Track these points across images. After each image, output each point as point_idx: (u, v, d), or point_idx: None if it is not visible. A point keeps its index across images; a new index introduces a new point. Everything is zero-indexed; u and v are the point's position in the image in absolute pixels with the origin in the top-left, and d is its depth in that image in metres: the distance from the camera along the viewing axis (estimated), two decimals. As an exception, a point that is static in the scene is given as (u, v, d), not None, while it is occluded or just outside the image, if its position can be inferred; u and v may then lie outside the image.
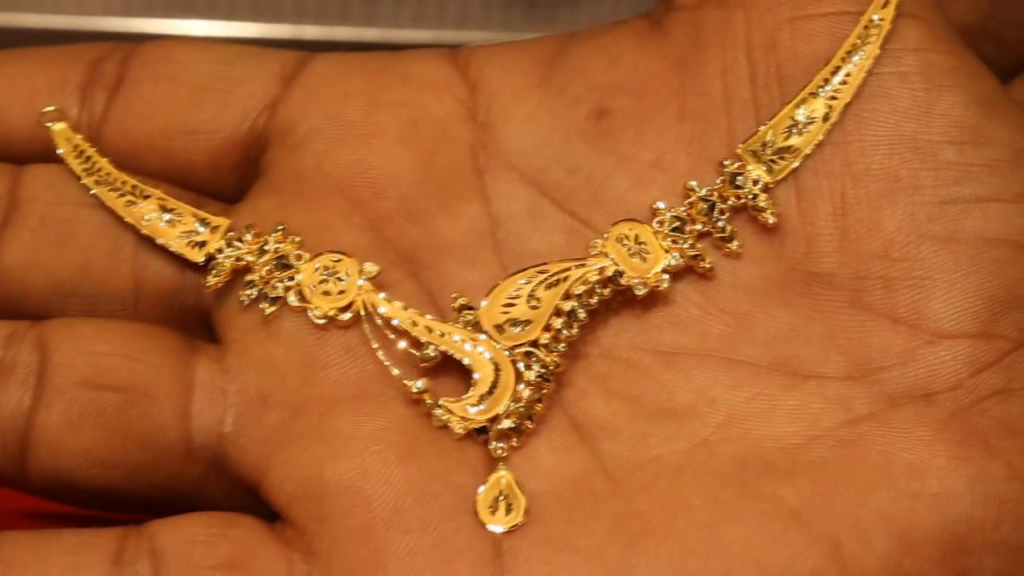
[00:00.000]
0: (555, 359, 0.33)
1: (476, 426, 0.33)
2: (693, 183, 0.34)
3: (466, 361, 0.33)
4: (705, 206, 0.34)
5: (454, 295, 0.33)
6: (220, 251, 0.34)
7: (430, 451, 0.32)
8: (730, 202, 0.34)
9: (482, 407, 0.33)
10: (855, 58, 0.34)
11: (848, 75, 0.33)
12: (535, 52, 0.36)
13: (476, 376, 0.33)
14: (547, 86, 0.35)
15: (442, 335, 0.33)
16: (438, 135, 0.35)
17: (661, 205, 0.34)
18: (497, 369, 0.33)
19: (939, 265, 0.33)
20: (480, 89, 0.35)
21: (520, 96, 0.35)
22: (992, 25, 0.42)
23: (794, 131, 0.34)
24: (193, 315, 0.35)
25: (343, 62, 0.36)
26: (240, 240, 0.34)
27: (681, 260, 0.34)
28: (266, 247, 0.34)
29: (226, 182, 0.36)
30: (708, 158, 0.34)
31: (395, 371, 0.33)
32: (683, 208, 0.34)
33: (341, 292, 0.33)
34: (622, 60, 0.35)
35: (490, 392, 0.33)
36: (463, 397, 0.33)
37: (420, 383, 0.33)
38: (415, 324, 0.33)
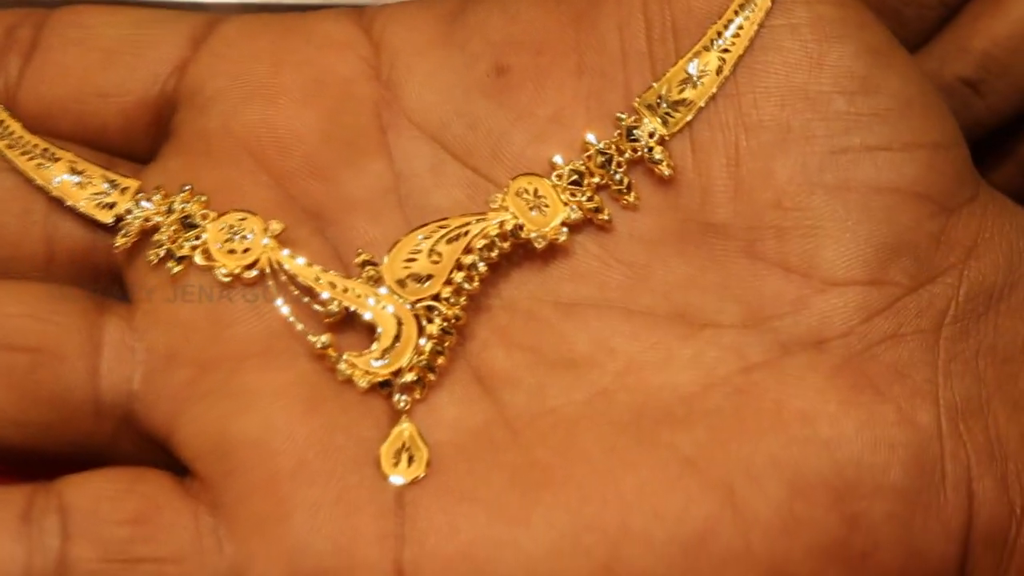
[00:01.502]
0: (456, 312, 0.34)
1: (379, 379, 0.33)
2: (591, 137, 0.34)
3: (368, 316, 0.34)
4: (603, 159, 0.34)
5: (358, 251, 0.34)
6: (129, 212, 0.34)
7: (334, 405, 0.33)
8: (627, 155, 0.34)
9: (385, 361, 0.33)
10: (747, 11, 0.34)
11: (740, 28, 0.34)
12: (437, 10, 0.36)
13: (379, 331, 0.33)
14: (448, 43, 0.35)
15: (345, 291, 0.34)
16: (342, 93, 0.35)
17: (559, 159, 0.34)
18: (399, 323, 0.33)
19: (830, 214, 0.33)
20: (383, 47, 0.36)
21: (422, 54, 0.35)
22: (891, 1, 0.43)
23: (688, 85, 0.34)
24: (106, 276, 0.35)
25: (250, 24, 0.36)
26: (148, 200, 0.34)
27: (579, 213, 0.34)
28: (173, 207, 0.34)
29: (140, 144, 0.36)
30: (606, 112, 0.34)
31: (300, 327, 0.33)
32: (581, 162, 0.34)
33: (246, 250, 0.34)
34: (520, 16, 0.35)
35: (393, 346, 0.33)
36: (366, 351, 0.33)
37: (324, 338, 0.33)
38: (319, 280, 0.34)
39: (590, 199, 0.34)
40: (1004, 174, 0.44)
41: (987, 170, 0.43)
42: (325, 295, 0.33)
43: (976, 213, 0.34)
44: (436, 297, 0.34)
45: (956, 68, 0.42)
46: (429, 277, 0.33)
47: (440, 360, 0.33)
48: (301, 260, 0.33)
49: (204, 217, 0.34)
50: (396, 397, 0.33)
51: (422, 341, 0.33)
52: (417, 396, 0.33)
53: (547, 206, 0.34)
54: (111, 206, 0.35)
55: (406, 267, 0.33)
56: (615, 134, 0.34)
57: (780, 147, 0.33)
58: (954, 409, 0.32)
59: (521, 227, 0.34)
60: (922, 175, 0.33)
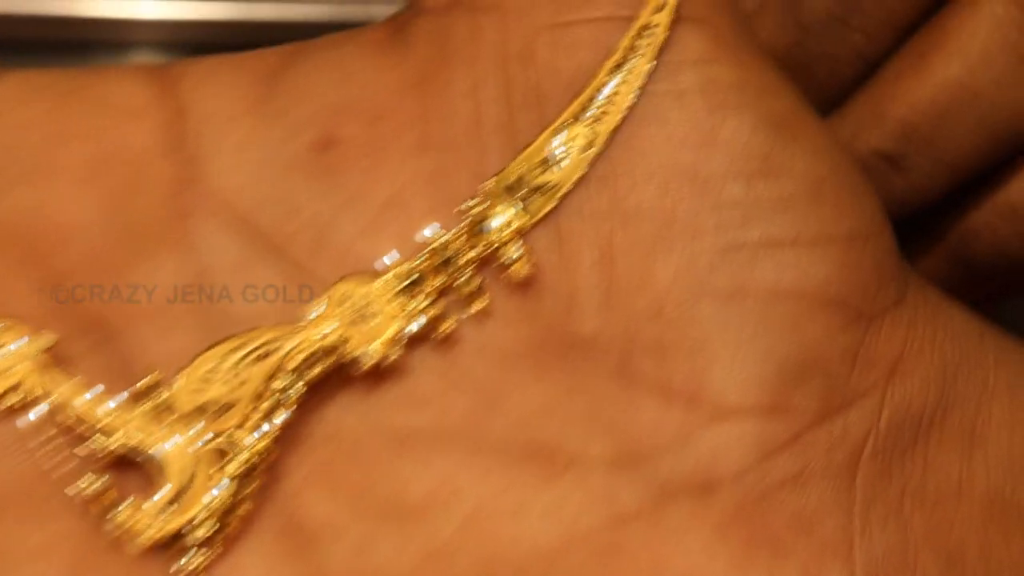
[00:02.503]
0: (264, 448, 0.27)
1: (166, 534, 0.27)
2: (433, 228, 0.28)
3: (154, 454, 0.27)
4: (447, 256, 0.28)
5: (144, 372, 0.27)
6: None
7: (108, 570, 0.27)
8: (476, 251, 0.28)
9: (172, 512, 0.27)
10: (623, 74, 0.28)
11: (615, 94, 0.28)
12: (254, 67, 0.30)
13: (165, 473, 0.27)
14: (265, 110, 0.29)
15: (125, 422, 0.27)
16: (134, 172, 0.29)
17: (392, 257, 0.28)
18: (192, 464, 0.27)
19: (721, 326, 0.27)
20: (188, 115, 0.29)
21: (233, 122, 0.29)
22: (801, 56, 0.36)
23: (552, 164, 0.28)
24: None
25: (28, 83, 0.30)
26: None
27: (415, 325, 0.28)
28: (-82, 315, 0.28)
29: None
30: (453, 197, 0.28)
31: (67, 467, 0.27)
32: (420, 259, 0.28)
33: (6, 369, 0.27)
34: (354, 77, 0.29)
35: (183, 491, 0.27)
36: (150, 499, 0.27)
37: (97, 483, 0.27)
38: (93, 409, 0.27)
39: (430, 306, 0.28)
40: (931, 262, 0.37)
41: (910, 258, 0.37)
42: (101, 427, 0.27)
43: (902, 320, 0.28)
44: (239, 429, 0.27)
45: (872, 139, 0.36)
46: (230, 405, 0.27)
47: (243, 508, 0.27)
48: (74, 382, 0.27)
49: (-44, 328, 0.28)
50: (187, 557, 0.27)
51: (220, 484, 0.27)
52: (213, 554, 0.27)
53: (377, 315, 0.28)
54: None
55: (202, 392, 0.27)
56: (463, 225, 0.28)
57: (662, 243, 0.27)
58: (874, 567, 0.27)
59: (345, 341, 0.27)
60: (834, 276, 0.27)
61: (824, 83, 0.37)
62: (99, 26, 0.50)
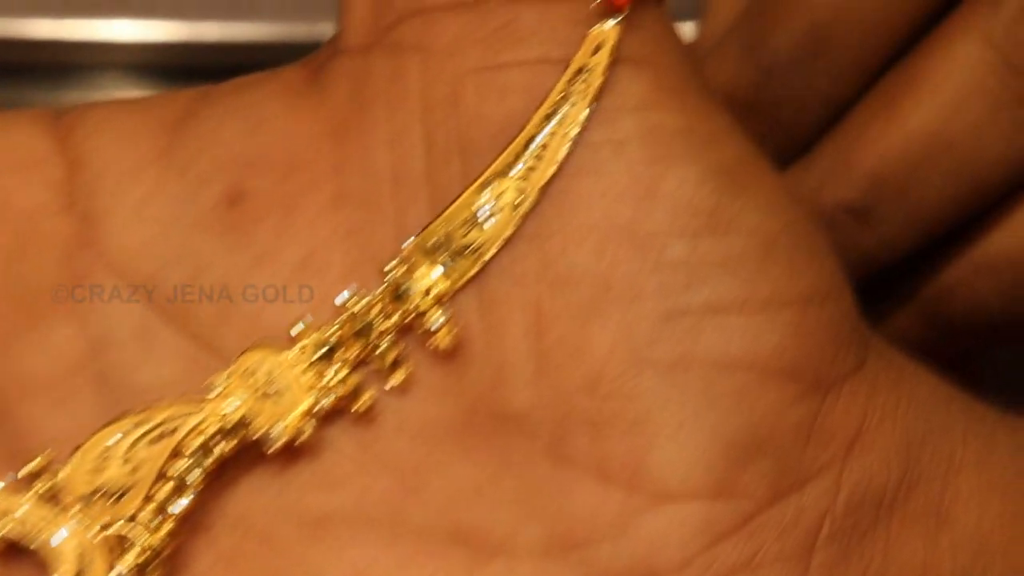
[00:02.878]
0: (161, 540, 0.25)
1: (56, 634, 0.25)
2: (347, 293, 0.25)
3: (38, 547, 0.25)
4: (364, 323, 0.25)
5: (29, 457, 0.25)
6: None
7: None
8: (396, 318, 0.25)
9: (64, 607, 0.25)
10: (556, 122, 0.25)
11: (547, 145, 0.25)
12: (159, 115, 0.27)
13: (57, 564, 0.25)
14: (168, 162, 0.27)
15: (6, 513, 0.25)
16: (21, 232, 0.27)
17: (301, 326, 0.25)
18: (81, 558, 0.25)
19: (663, 400, 0.25)
20: (83, 167, 0.27)
21: (132, 176, 0.26)
22: (764, 100, 0.34)
23: (478, 221, 0.25)
24: None
25: None
26: None
27: (330, 399, 0.25)
28: None
29: None
30: (371, 257, 0.26)
31: (-52, 562, 0.25)
32: (335, 326, 0.25)
33: None
34: (265, 125, 0.26)
35: (74, 586, 0.25)
36: (39, 594, 0.25)
37: (-19, 577, 0.25)
38: (-24, 496, 0.25)
39: (344, 380, 0.25)
40: (902, 322, 0.35)
41: (878, 317, 0.34)
42: (-16, 517, 0.25)
43: (862, 388, 0.25)
44: (134, 518, 0.25)
45: (839, 191, 0.33)
46: (123, 493, 0.25)
47: (139, 606, 0.24)
48: (-45, 467, 0.25)
49: None
50: (77, 658, 0.24)
51: (115, 579, 0.25)
52: (107, 655, 0.24)
53: (286, 390, 0.25)
54: None
55: (96, 475, 0.25)
56: (382, 288, 0.25)
57: (598, 308, 0.25)
58: None
59: (253, 418, 0.25)
60: (787, 343, 0.25)
61: (788, 129, 0.35)
62: (67, 49, 0.48)
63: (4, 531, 0.25)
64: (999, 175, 0.33)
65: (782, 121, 0.34)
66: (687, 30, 0.39)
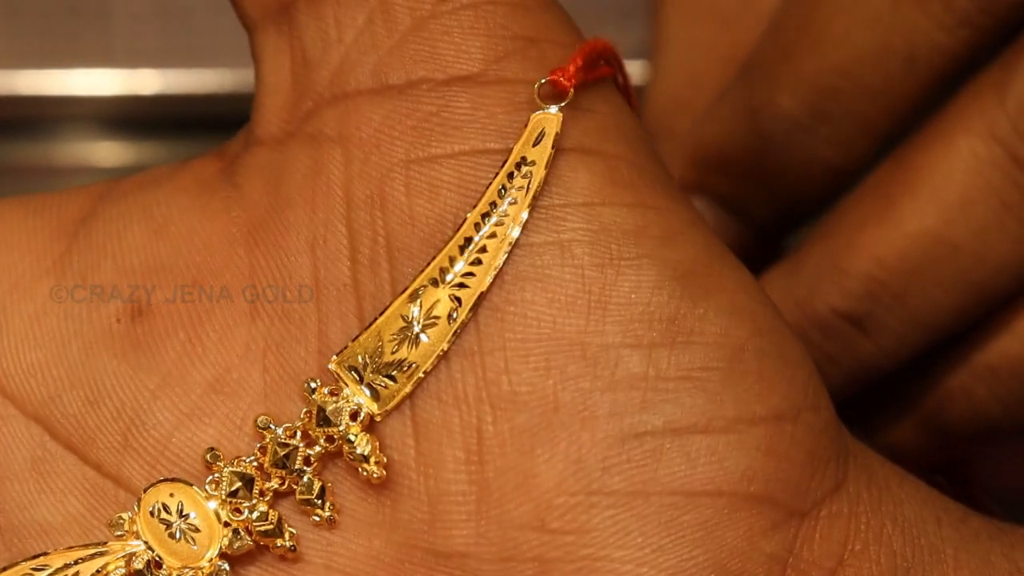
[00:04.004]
0: None
1: None
2: (265, 418, 0.23)
3: None
4: (283, 453, 0.23)
5: None
6: None
7: None
8: (320, 445, 0.23)
9: None
10: (494, 221, 0.23)
11: (484, 249, 0.23)
12: (53, 216, 0.25)
13: None
14: (64, 271, 0.24)
15: None
16: None
17: (213, 460, 0.23)
18: None
19: (619, 537, 0.22)
20: None
21: (23, 288, 0.24)
22: (763, 169, 0.31)
23: (407, 338, 0.23)
24: None
25: None
26: None
27: (247, 538, 0.23)
28: None
29: None
30: (291, 375, 0.23)
31: None
32: (251, 457, 0.23)
33: None
34: (172, 228, 0.24)
35: None
36: None
37: None
38: None
39: (263, 516, 0.22)
40: (899, 432, 0.32)
41: (875, 429, 0.32)
42: None
43: (842, 512, 0.23)
44: None
45: (832, 297, 0.31)
46: (17, 650, 0.22)
47: None
48: None
49: None
50: None
51: None
52: None
53: (198, 530, 0.22)
54: None
55: (-17, 635, 0.22)
56: (302, 413, 0.23)
57: (544, 434, 0.22)
58: None
59: (159, 564, 0.22)
60: (758, 468, 0.22)
61: (788, 198, 0.32)
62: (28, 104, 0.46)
63: None
64: (1004, 281, 0.30)
65: (781, 189, 0.32)
66: (634, 69, 0.36)
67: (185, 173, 0.25)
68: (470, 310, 0.23)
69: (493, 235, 0.23)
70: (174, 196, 0.25)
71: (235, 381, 0.23)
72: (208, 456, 0.23)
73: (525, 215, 0.23)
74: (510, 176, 0.23)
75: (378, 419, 0.23)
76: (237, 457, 0.23)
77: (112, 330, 0.24)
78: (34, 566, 0.23)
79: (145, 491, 0.23)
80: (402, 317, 0.23)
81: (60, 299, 0.24)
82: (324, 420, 0.23)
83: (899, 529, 0.24)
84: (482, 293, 0.23)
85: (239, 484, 0.23)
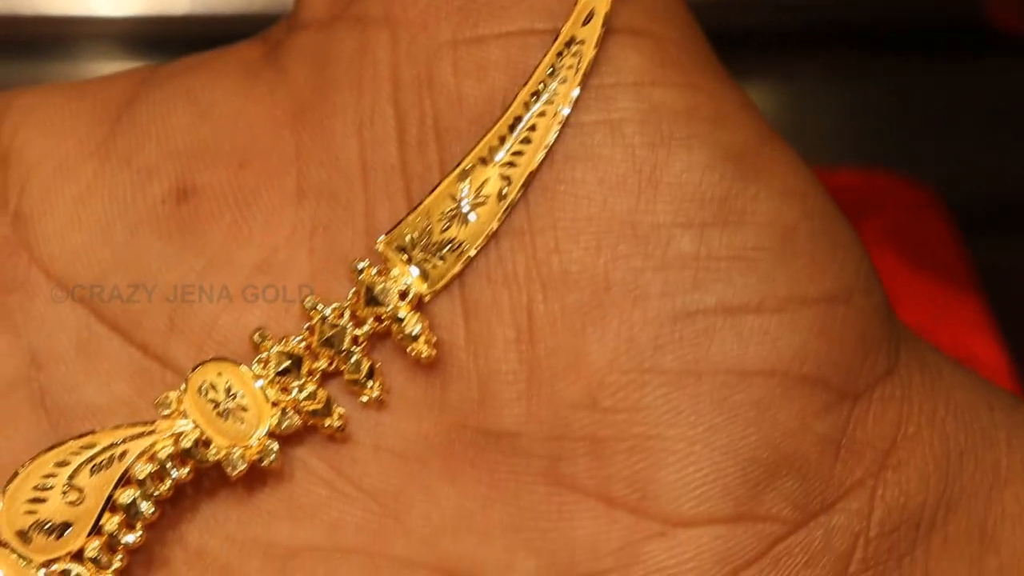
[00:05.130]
0: (109, 578, 0.22)
1: None
2: (312, 298, 0.23)
3: (-26, 591, 0.22)
4: (331, 333, 0.23)
5: None
6: None
7: None
8: (369, 325, 0.23)
9: (-1, 662, 0.22)
10: (544, 101, 0.22)
11: (533, 128, 0.22)
12: (96, 101, 0.24)
13: (-9, 612, 0.22)
14: (108, 154, 0.24)
15: (-63, 550, 0.22)
16: None
17: (261, 340, 0.23)
18: (21, 600, 0.22)
19: (671, 416, 0.22)
20: (13, 161, 0.24)
21: (68, 171, 0.24)
22: None
23: (457, 217, 0.22)
24: None
25: None
26: None
27: (296, 418, 0.22)
28: None
29: None
30: (338, 257, 0.23)
31: None
32: (299, 337, 0.23)
33: None
34: (216, 111, 0.24)
35: (12, 636, 0.22)
36: (-29, 647, 0.22)
37: (-94, 628, 0.22)
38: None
39: (312, 395, 0.22)
40: None
41: None
42: (-92, 559, 0.22)
43: (894, 395, 0.23)
44: (79, 555, 0.22)
45: None
46: (67, 526, 0.22)
47: (86, 654, 0.22)
48: None
49: None
50: None
51: (57, 626, 0.22)
52: None
53: (246, 409, 0.22)
54: None
55: (31, 512, 0.22)
56: (350, 294, 0.22)
57: (595, 313, 0.22)
58: None
59: (208, 442, 0.22)
60: (811, 347, 0.22)
61: None
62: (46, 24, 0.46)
63: (-68, 573, 0.22)
64: None
65: None
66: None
67: (229, 57, 0.25)
68: (520, 189, 0.23)
69: (543, 114, 0.23)
70: (218, 80, 0.24)
71: (282, 263, 0.23)
72: (256, 336, 0.23)
73: (576, 93, 0.23)
74: (559, 55, 0.23)
75: (427, 299, 0.23)
76: (285, 337, 0.23)
77: (157, 212, 0.24)
78: (82, 444, 0.23)
79: (193, 370, 0.23)
80: (451, 196, 0.23)
81: (104, 182, 0.24)
82: (372, 300, 0.23)
83: (951, 414, 0.23)
84: (532, 172, 0.23)
85: (287, 363, 0.23)
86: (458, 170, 0.23)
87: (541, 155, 0.23)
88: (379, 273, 0.23)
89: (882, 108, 0.46)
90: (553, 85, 0.23)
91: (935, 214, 0.40)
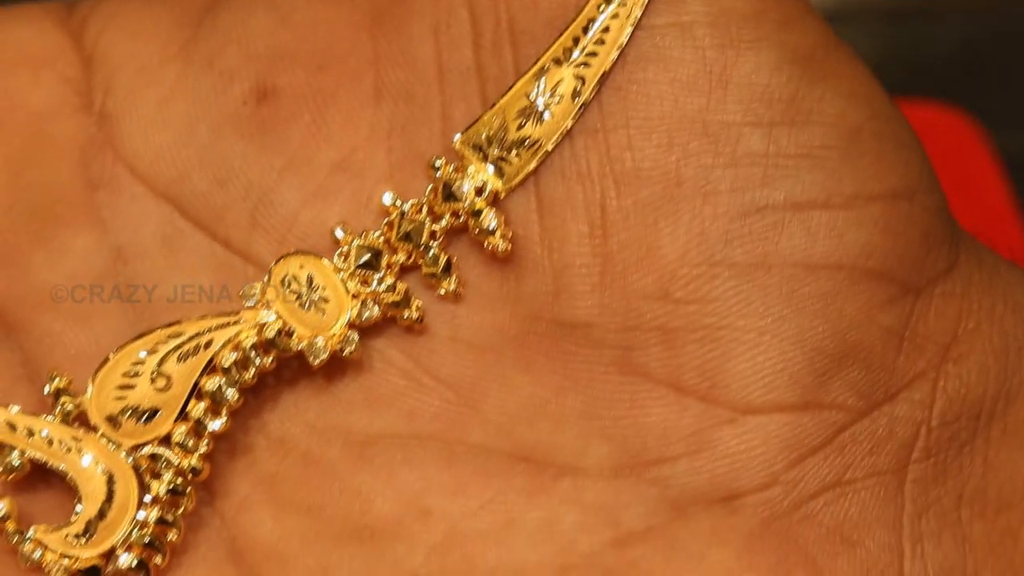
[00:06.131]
0: (196, 462, 0.23)
1: (83, 566, 0.23)
2: (391, 195, 0.23)
3: (65, 469, 0.23)
4: (409, 228, 0.23)
5: (51, 373, 0.23)
6: None
7: None
8: (446, 220, 0.23)
9: (91, 537, 0.23)
10: (615, 5, 0.23)
11: (606, 31, 0.23)
12: (179, 6, 0.25)
13: (81, 493, 0.23)
14: (190, 56, 0.24)
15: (31, 434, 0.23)
16: (34, 135, 0.25)
17: (342, 234, 0.23)
18: (111, 481, 0.23)
19: (741, 307, 0.23)
20: (98, 64, 0.25)
21: (151, 73, 0.24)
22: None
23: (532, 116, 0.23)
24: None
25: None
26: None
27: (376, 309, 0.23)
28: None
29: None
30: (415, 156, 0.24)
31: (-38, 490, 0.23)
32: (378, 232, 0.23)
33: None
34: (295, 16, 0.24)
35: (102, 516, 0.23)
36: (64, 524, 0.23)
37: (0, 505, 0.23)
38: (-8, 420, 0.23)
39: (391, 288, 0.23)
40: None
41: None
42: (1, 440, 0.23)
43: (954, 291, 0.23)
44: (166, 440, 0.23)
45: None
46: (154, 412, 0.23)
47: (173, 535, 0.23)
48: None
49: None
50: (107, 593, 0.22)
51: (146, 506, 0.22)
52: (139, 589, 0.22)
53: (327, 300, 0.23)
54: None
55: (120, 397, 0.23)
56: (428, 190, 0.23)
57: (666, 208, 0.22)
58: None
59: (290, 332, 0.23)
60: (875, 243, 0.23)
61: None
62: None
63: (19, 461, 0.23)
64: None
65: None
66: None
67: None
68: (594, 88, 0.23)
69: (616, 16, 0.23)
70: None
71: (360, 161, 0.24)
72: (337, 230, 0.24)
73: None
74: (633, -42, 0.23)
75: (502, 196, 0.24)
76: (364, 231, 0.24)
77: (239, 113, 0.24)
78: (169, 333, 0.23)
79: (276, 262, 0.24)
80: (526, 96, 0.23)
81: (187, 84, 0.24)
82: (449, 196, 0.24)
83: (1010, 310, 0.24)
84: (605, 72, 0.23)
85: (367, 256, 0.24)
86: (533, 70, 0.23)
87: (614, 55, 0.23)
88: (456, 170, 0.24)
89: (925, 40, 0.47)
90: None
91: (977, 145, 0.41)
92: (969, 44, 0.47)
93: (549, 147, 0.23)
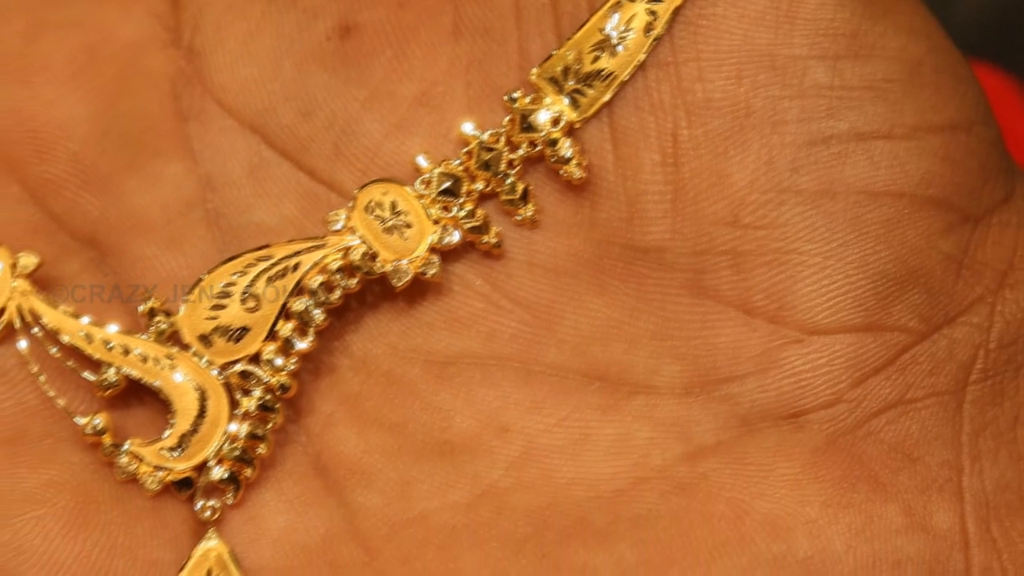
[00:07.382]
0: (284, 380, 0.24)
1: (176, 478, 0.24)
2: (470, 125, 0.24)
3: (159, 386, 0.24)
4: (488, 157, 0.24)
5: (145, 294, 0.24)
6: None
7: (113, 515, 0.24)
8: (521, 151, 0.24)
9: (184, 451, 0.24)
10: None
11: None
12: None
13: (174, 408, 0.24)
14: None
15: (126, 351, 0.24)
16: (125, 68, 0.26)
17: (424, 162, 0.24)
18: (203, 398, 0.24)
19: (807, 233, 0.24)
20: (185, 1, 0.25)
21: (238, 9, 0.25)
22: None
23: (606, 49, 0.24)
24: None
25: None
26: None
27: (456, 234, 0.24)
28: None
29: None
30: (493, 89, 0.25)
31: (62, 403, 0.24)
32: (458, 161, 0.24)
33: (-14, 295, 0.24)
34: None
35: (194, 430, 0.24)
36: (158, 438, 0.24)
37: (98, 420, 0.24)
38: (89, 338, 0.24)
39: (471, 214, 0.24)
40: None
41: None
42: (98, 358, 0.24)
43: (1011, 220, 0.24)
44: (255, 359, 0.24)
45: None
46: (244, 331, 0.24)
47: (262, 448, 0.24)
48: (65, 308, 0.24)
49: (-72, 249, 0.24)
50: (201, 503, 0.23)
51: (235, 423, 0.23)
52: (230, 500, 0.23)
53: (410, 226, 0.24)
54: None
55: (212, 317, 0.24)
56: (505, 121, 0.24)
57: (736, 138, 0.23)
58: (984, 504, 0.23)
59: (374, 256, 0.24)
60: (935, 172, 0.24)
61: None
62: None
63: (115, 378, 0.24)
64: None
65: None
66: None
67: None
68: (666, 23, 0.24)
69: (688, -47, 0.24)
70: None
71: (440, 95, 0.25)
72: (419, 159, 0.25)
73: None
74: None
75: (577, 126, 0.24)
76: (445, 160, 0.25)
77: (323, 47, 0.25)
78: (258, 256, 0.24)
79: (360, 189, 0.25)
80: (600, 31, 0.24)
81: (272, 20, 0.25)
82: (526, 126, 0.25)
83: None
84: (677, 7, 0.24)
85: (448, 183, 0.25)
86: (607, 6, 0.24)
87: None
88: (532, 101, 0.25)
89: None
90: None
91: (1018, 102, 0.42)
92: (1001, 3, 0.48)
93: (622, 80, 0.24)
